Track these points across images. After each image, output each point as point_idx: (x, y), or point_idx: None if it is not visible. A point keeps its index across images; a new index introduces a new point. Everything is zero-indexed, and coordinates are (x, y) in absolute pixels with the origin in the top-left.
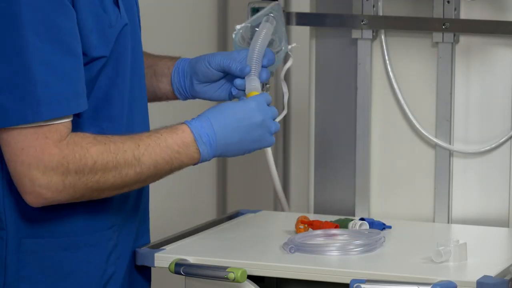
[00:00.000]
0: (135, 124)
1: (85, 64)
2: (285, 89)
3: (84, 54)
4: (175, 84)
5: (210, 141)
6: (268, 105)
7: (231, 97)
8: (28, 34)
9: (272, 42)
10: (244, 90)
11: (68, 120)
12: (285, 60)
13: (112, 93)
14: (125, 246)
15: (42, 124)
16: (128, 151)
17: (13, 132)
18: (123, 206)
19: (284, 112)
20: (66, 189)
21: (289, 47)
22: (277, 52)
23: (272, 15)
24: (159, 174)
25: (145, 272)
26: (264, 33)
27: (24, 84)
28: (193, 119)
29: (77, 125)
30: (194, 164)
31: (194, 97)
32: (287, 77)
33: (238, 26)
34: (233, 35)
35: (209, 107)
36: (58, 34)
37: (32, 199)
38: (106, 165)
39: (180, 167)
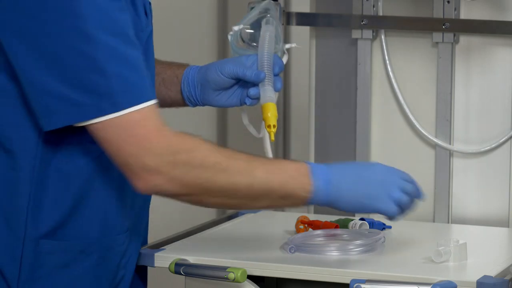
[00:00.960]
0: None
1: None
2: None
3: None
4: (185, 93)
5: (325, 178)
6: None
7: (242, 104)
8: (92, 30)
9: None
10: (257, 99)
11: (153, 104)
12: (281, 56)
13: None
14: (134, 249)
15: (124, 113)
16: (241, 160)
17: (106, 128)
18: (133, 210)
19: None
20: (175, 179)
21: (287, 46)
22: (276, 52)
23: (269, 15)
24: (271, 196)
25: (142, 272)
26: (268, 37)
27: (97, 78)
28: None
29: None
30: (304, 202)
31: (204, 105)
32: (287, 77)
33: (235, 28)
34: (229, 37)
35: None
36: (119, 28)
37: (142, 185)
38: (217, 165)
39: (291, 196)
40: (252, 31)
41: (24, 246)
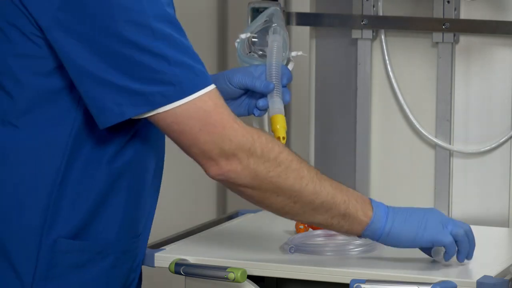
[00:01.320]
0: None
1: None
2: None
3: None
4: None
5: (385, 213)
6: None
7: (250, 114)
8: (151, 22)
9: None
10: (266, 110)
11: (215, 88)
12: (286, 64)
13: None
14: (143, 252)
15: (194, 97)
16: (311, 169)
17: (179, 117)
18: (146, 214)
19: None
20: (248, 168)
21: (293, 54)
22: (283, 60)
23: (275, 24)
24: (333, 210)
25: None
26: (276, 47)
27: (162, 67)
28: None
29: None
30: (361, 228)
31: None
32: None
33: (242, 36)
34: (236, 45)
35: None
36: (172, 18)
37: (216, 170)
38: (291, 162)
39: (352, 216)
40: (258, 39)
41: (42, 244)
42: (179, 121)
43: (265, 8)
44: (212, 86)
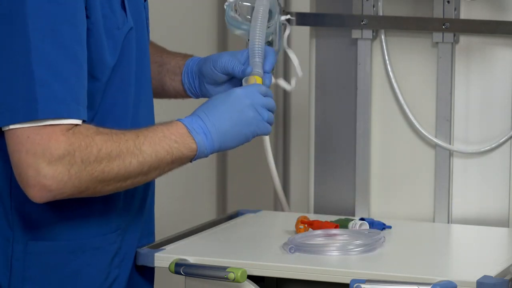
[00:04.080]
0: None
1: (96, 73)
2: (292, 55)
3: (97, 59)
4: (186, 84)
5: (204, 131)
6: (263, 95)
7: None
8: (32, 36)
9: (269, 17)
10: None
11: (70, 123)
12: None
13: (117, 98)
14: (129, 249)
15: (42, 123)
16: (129, 140)
17: (17, 129)
18: (128, 209)
19: (299, 74)
20: (72, 179)
21: (282, 18)
22: (269, 28)
23: None
24: (161, 165)
25: (147, 273)
26: (262, 12)
27: (23, 83)
28: (185, 117)
29: None
30: (194, 158)
31: (204, 97)
32: (287, 77)
33: None
34: (225, 6)
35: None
36: (62, 40)
37: (36, 193)
38: (110, 153)
39: (181, 158)
40: (248, 4)
41: (14, 248)
42: (14, 134)
43: None
44: (67, 119)
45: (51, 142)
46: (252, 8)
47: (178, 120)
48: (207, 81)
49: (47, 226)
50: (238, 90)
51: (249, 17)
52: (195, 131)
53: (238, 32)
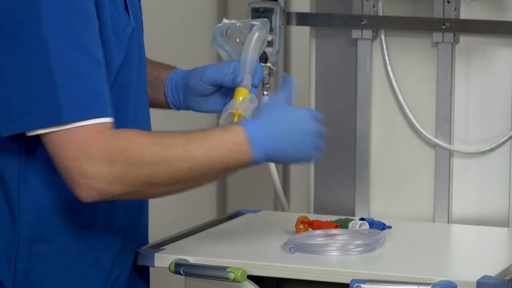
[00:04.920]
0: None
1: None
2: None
3: (106, 60)
4: (169, 98)
5: (264, 145)
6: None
7: None
8: (49, 39)
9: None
10: None
11: (97, 122)
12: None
13: (121, 98)
14: (130, 249)
15: (69, 126)
16: (178, 145)
17: (49, 134)
18: (129, 210)
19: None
20: (116, 180)
21: (264, 65)
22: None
23: (259, 24)
24: (213, 172)
25: (144, 273)
26: (256, 37)
27: (44, 86)
28: (246, 122)
29: None
30: (248, 165)
31: (188, 109)
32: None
33: (226, 21)
34: (216, 27)
35: (261, 110)
36: (79, 40)
37: (85, 193)
38: (155, 157)
39: (234, 166)
40: (239, 28)
41: (18, 251)
42: (49, 142)
43: (265, 8)
44: (94, 119)
45: (88, 146)
46: (246, 35)
47: (240, 124)
48: (193, 93)
49: (53, 228)
50: (304, 112)
51: (238, 40)
52: (254, 144)
53: (222, 52)
